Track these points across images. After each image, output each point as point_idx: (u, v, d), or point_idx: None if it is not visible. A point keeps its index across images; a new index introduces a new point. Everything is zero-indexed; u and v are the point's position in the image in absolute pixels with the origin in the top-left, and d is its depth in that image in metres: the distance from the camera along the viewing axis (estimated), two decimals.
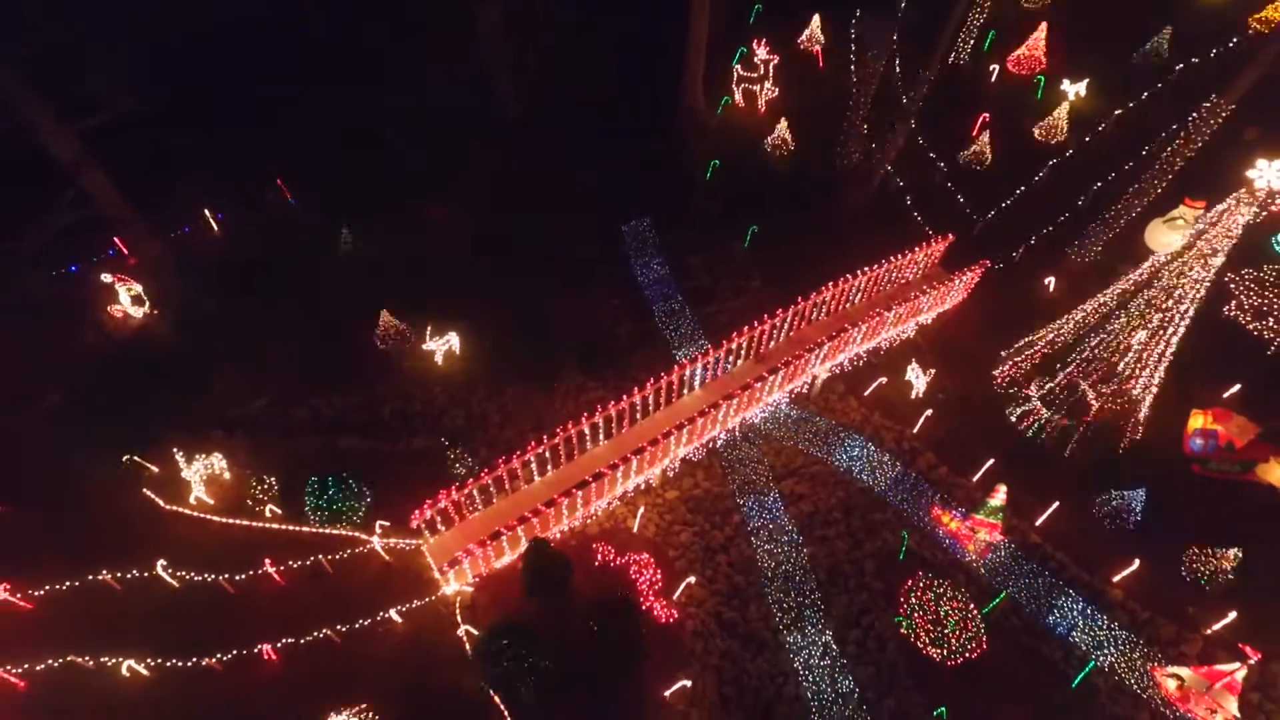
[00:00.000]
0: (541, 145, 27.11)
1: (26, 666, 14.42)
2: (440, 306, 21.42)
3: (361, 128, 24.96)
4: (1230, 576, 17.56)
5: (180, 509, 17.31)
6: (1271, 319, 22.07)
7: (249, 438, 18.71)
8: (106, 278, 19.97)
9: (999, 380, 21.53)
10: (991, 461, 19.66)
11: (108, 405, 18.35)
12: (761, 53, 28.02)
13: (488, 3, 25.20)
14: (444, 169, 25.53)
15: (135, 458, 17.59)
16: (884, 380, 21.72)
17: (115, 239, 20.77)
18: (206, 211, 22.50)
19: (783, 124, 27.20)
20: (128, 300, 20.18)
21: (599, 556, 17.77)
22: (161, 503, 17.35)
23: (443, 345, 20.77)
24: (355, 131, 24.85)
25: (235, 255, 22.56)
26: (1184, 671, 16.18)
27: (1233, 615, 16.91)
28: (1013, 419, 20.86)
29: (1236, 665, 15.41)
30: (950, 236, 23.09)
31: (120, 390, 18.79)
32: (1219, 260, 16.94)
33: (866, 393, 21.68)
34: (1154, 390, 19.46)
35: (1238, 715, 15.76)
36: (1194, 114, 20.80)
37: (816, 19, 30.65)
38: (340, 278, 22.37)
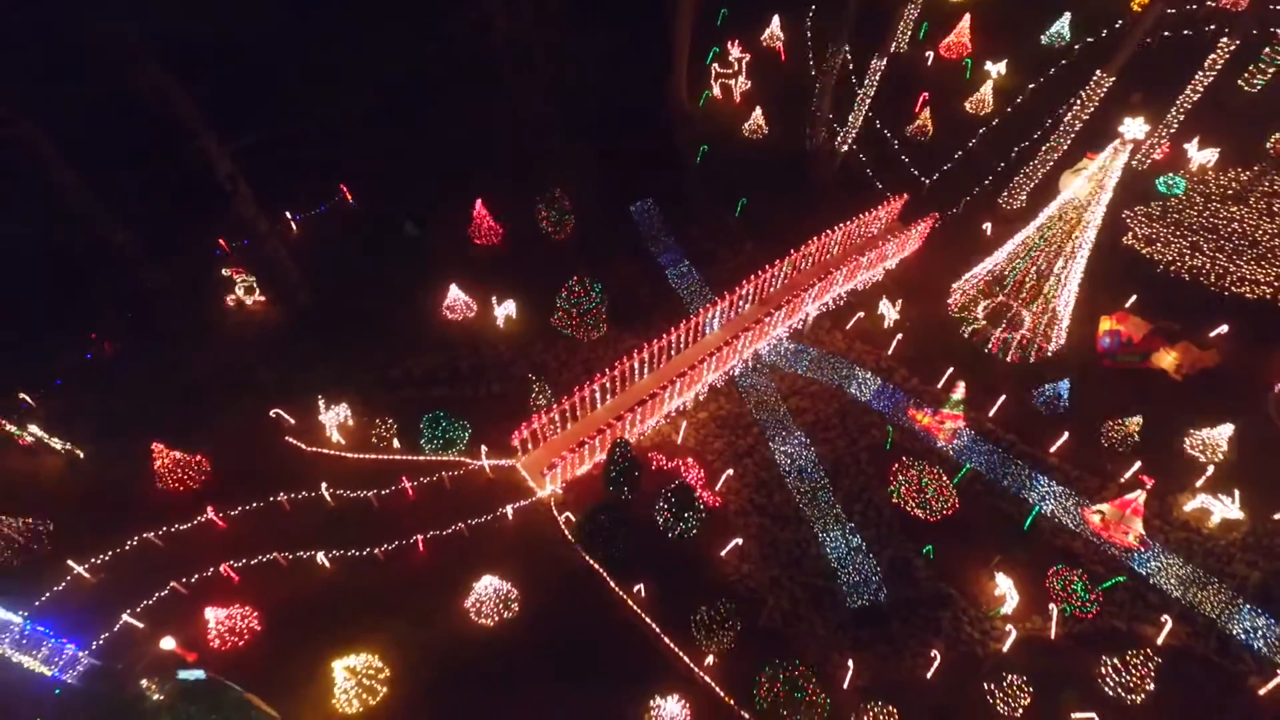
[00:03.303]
0: (551, 142, 31.38)
1: (245, 561, 18.59)
2: (495, 282, 25.75)
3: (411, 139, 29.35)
4: (1135, 438, 22.98)
5: (320, 450, 21.51)
6: (1159, 244, 27.75)
7: (359, 395, 22.83)
8: (225, 271, 23.96)
9: (952, 307, 26.73)
10: (951, 370, 24.77)
11: (243, 374, 22.53)
12: (735, 51, 32.86)
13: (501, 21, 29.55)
14: (474, 168, 29.71)
15: (280, 411, 21.73)
16: (861, 315, 26.72)
17: (220, 240, 24.71)
18: (288, 214, 26.57)
19: (757, 112, 32.11)
20: (242, 290, 24.12)
21: (654, 463, 22.46)
22: (304, 446, 21.54)
23: (504, 310, 25.13)
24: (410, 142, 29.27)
25: (319, 249, 26.63)
26: (1104, 507, 21.53)
27: (1138, 464, 22.34)
28: (965, 335, 26.06)
29: (1138, 493, 20.73)
30: (904, 196, 28.34)
31: (248, 363, 22.97)
32: (1108, 196, 22.18)
33: (848, 326, 26.65)
34: (1071, 304, 24.79)
35: (1143, 532, 21.17)
36: (1089, 84, 26.28)
37: (776, 19, 35.58)
38: (407, 262, 26.55)
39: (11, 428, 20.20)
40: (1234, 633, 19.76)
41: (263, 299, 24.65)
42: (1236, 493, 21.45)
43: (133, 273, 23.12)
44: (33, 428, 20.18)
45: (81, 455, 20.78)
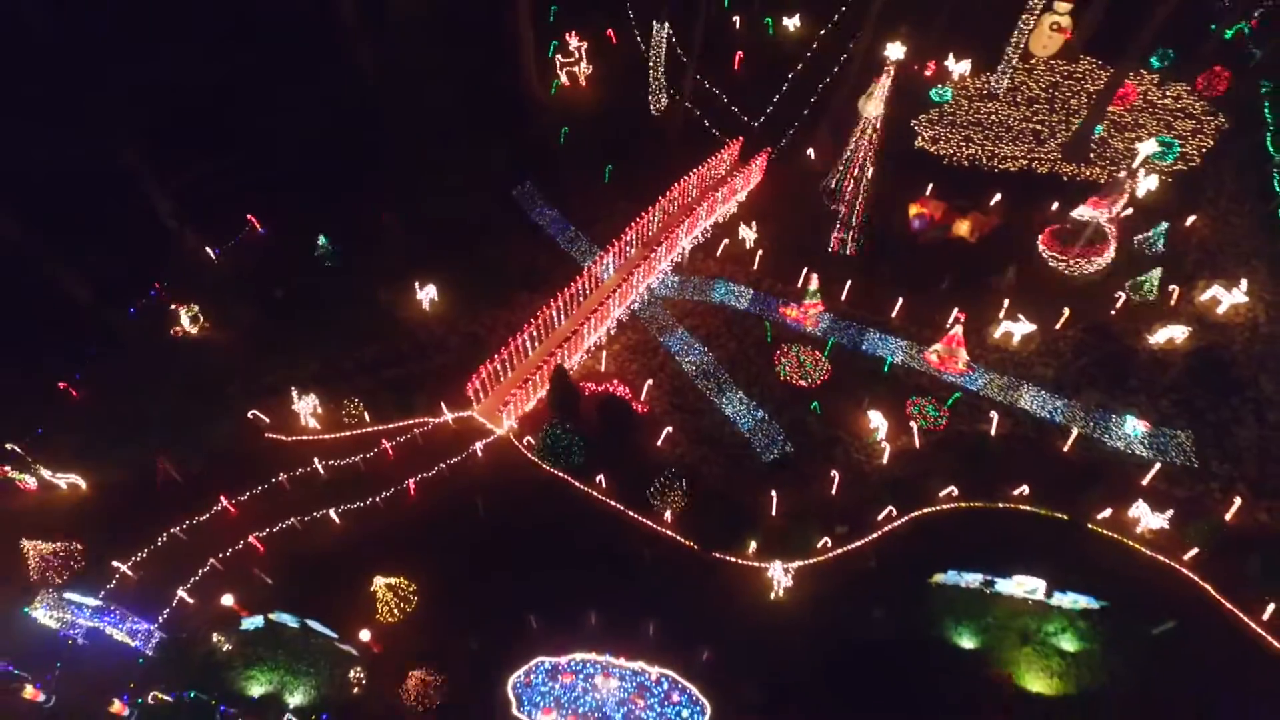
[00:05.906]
0: (434, 148, 34.72)
1: (267, 530, 21.55)
2: (413, 271, 29.16)
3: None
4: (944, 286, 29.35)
5: (301, 438, 24.50)
6: (941, 142, 34.58)
7: (321, 387, 25.80)
8: (171, 306, 26.15)
9: (824, 189, 32.37)
10: (806, 269, 30.29)
11: (210, 392, 25.15)
12: (574, 41, 37.26)
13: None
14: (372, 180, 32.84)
15: (256, 413, 24.50)
16: (728, 241, 31.91)
17: (155, 283, 26.85)
18: (209, 248, 28.89)
19: (603, 89, 36.64)
20: (187, 320, 26.38)
21: (587, 390, 26.79)
22: (285, 438, 24.47)
23: (426, 295, 28.62)
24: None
25: (243, 273, 29.15)
26: (937, 347, 27.66)
27: (955, 310, 28.60)
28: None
29: (956, 327, 26.90)
30: (740, 139, 33.69)
31: (212, 381, 25.59)
32: (882, 104, 28.13)
33: (718, 253, 31.78)
34: (884, 199, 30.90)
35: (968, 358, 27.42)
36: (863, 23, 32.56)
37: (603, 7, 40.24)
38: (329, 270, 29.51)
39: (13, 473, 22.10)
40: (1042, 415, 26.35)
41: (208, 325, 27.07)
42: (1021, 317, 28.09)
43: (88, 318, 25.03)
44: (39, 468, 22.14)
45: (84, 486, 22.89)
